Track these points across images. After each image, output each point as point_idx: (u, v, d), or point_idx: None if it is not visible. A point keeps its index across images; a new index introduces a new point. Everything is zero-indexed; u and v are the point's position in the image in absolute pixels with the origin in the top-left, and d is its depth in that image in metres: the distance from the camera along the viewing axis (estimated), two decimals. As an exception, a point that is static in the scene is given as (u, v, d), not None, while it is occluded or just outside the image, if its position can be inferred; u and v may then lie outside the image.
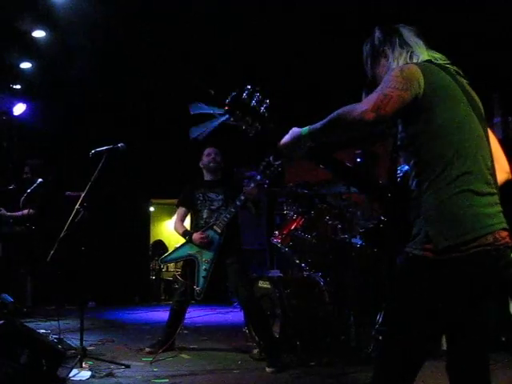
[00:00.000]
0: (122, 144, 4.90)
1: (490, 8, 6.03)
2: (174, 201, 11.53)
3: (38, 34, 7.53)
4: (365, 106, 1.99)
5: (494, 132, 8.06)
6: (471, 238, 1.94)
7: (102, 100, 8.65)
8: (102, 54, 7.67)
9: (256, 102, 2.35)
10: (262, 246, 9.45)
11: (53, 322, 6.11)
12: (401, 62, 2.25)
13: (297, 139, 2.23)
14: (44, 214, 7.67)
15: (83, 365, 4.51)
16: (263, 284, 5.51)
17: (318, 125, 2.16)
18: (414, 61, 2.25)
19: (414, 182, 2.11)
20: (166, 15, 6.90)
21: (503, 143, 8.18)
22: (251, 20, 7.07)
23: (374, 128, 2.05)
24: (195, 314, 8.62)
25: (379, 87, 2.07)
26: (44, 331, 5.82)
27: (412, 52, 2.28)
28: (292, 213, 5.97)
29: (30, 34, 7.50)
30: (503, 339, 5.48)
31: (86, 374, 4.37)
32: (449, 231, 1.96)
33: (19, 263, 7.51)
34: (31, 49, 7.77)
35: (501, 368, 4.72)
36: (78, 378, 4.28)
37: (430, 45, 2.39)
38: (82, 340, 4.65)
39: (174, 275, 12.32)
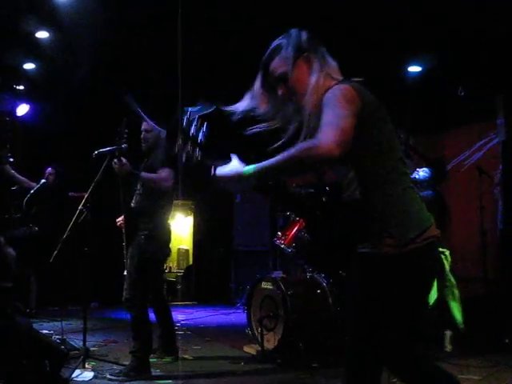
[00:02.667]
0: (125, 145, 4.91)
1: (494, 9, 6.02)
2: (177, 201, 11.55)
3: (42, 34, 7.53)
4: (327, 142, 1.97)
5: (497, 133, 7.97)
6: (424, 229, 2.11)
7: (105, 101, 8.65)
8: (105, 54, 7.68)
9: (195, 130, 2.38)
10: (265, 247, 9.44)
11: (56, 323, 6.11)
12: (321, 76, 2.25)
13: (236, 178, 2.17)
14: (46, 214, 7.69)
15: (86, 365, 4.52)
16: (266, 285, 5.51)
17: (267, 165, 2.10)
18: (330, 80, 2.26)
19: (359, 190, 2.17)
20: (167, 17, 6.89)
21: (506, 144, 8.15)
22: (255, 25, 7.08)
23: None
24: (198, 315, 8.63)
25: (330, 116, 2.04)
26: (47, 332, 5.83)
27: (328, 71, 2.30)
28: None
29: (34, 34, 7.50)
30: (506, 341, 5.47)
31: (88, 375, 4.37)
32: (407, 225, 2.09)
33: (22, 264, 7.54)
34: (35, 49, 7.76)
35: (504, 370, 4.72)
36: (81, 379, 4.29)
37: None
38: (84, 341, 4.66)
39: (177, 276, 12.34)
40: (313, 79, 2.25)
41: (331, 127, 2.01)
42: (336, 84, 2.20)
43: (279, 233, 5.99)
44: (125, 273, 4.71)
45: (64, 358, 4.01)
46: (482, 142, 7.59)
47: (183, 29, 6.71)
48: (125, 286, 4.66)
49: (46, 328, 6.24)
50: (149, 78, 8.30)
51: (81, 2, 6.69)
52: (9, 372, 3.56)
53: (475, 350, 5.24)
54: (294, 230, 5.79)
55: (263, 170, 2.10)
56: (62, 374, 3.98)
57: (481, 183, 6.46)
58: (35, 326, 5.86)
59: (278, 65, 2.30)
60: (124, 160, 4.63)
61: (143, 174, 4.75)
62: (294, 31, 2.34)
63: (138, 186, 4.88)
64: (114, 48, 7.63)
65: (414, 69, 7.80)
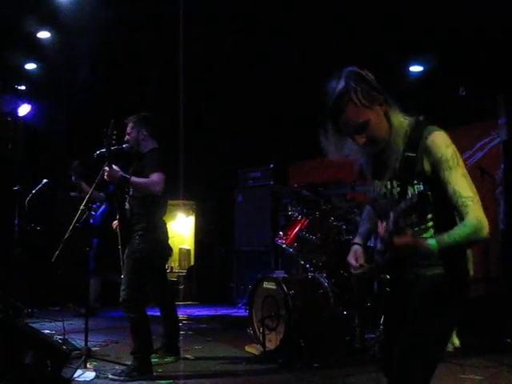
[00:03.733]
0: (126, 145, 4.92)
1: (494, 9, 6.01)
2: (177, 202, 11.54)
3: (43, 34, 7.55)
4: (486, 227, 2.14)
5: (498, 132, 7.91)
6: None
7: (105, 101, 8.66)
8: (106, 54, 7.69)
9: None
10: (266, 246, 9.44)
11: (57, 323, 6.11)
12: (399, 115, 2.32)
13: (425, 252, 2.19)
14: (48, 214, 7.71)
15: (88, 365, 4.53)
16: (268, 285, 5.50)
17: (449, 242, 2.16)
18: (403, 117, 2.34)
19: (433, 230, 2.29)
20: (167, 17, 6.90)
21: (508, 144, 8.12)
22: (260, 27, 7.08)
23: None
24: (200, 315, 8.63)
25: (469, 190, 2.16)
26: (49, 332, 5.83)
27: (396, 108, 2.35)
28: (297, 214, 5.96)
29: (35, 34, 7.51)
30: (508, 341, 5.47)
31: (90, 375, 4.38)
32: (469, 264, 2.34)
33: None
34: (36, 50, 7.78)
35: (506, 370, 4.71)
36: (83, 379, 4.30)
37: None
38: (86, 341, 4.67)
39: (178, 276, 12.36)
40: (395, 122, 2.29)
41: (481, 209, 2.15)
42: (427, 125, 2.27)
43: (281, 232, 5.99)
44: (122, 276, 4.70)
45: (66, 357, 4.01)
46: (483, 142, 7.57)
47: (183, 29, 6.72)
48: (122, 287, 4.66)
49: (47, 328, 6.24)
50: (149, 77, 8.32)
51: (82, 3, 6.70)
52: (10, 372, 3.56)
53: (477, 350, 5.24)
54: (296, 230, 5.79)
55: (446, 248, 2.17)
56: (64, 373, 3.97)
57: (482, 183, 6.44)
58: (37, 325, 5.89)
59: (356, 114, 2.22)
60: (114, 166, 4.61)
61: (133, 178, 4.71)
62: (352, 71, 2.25)
63: (131, 188, 4.86)
64: (113, 48, 7.64)
65: (415, 69, 7.80)
